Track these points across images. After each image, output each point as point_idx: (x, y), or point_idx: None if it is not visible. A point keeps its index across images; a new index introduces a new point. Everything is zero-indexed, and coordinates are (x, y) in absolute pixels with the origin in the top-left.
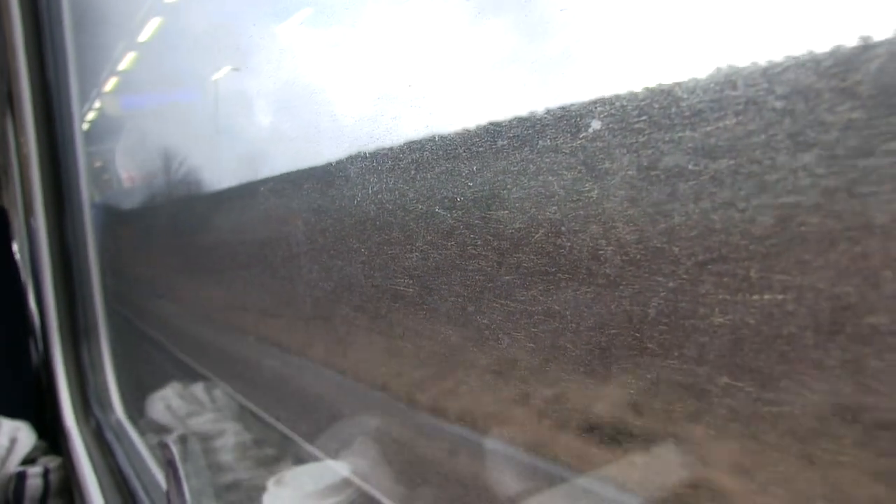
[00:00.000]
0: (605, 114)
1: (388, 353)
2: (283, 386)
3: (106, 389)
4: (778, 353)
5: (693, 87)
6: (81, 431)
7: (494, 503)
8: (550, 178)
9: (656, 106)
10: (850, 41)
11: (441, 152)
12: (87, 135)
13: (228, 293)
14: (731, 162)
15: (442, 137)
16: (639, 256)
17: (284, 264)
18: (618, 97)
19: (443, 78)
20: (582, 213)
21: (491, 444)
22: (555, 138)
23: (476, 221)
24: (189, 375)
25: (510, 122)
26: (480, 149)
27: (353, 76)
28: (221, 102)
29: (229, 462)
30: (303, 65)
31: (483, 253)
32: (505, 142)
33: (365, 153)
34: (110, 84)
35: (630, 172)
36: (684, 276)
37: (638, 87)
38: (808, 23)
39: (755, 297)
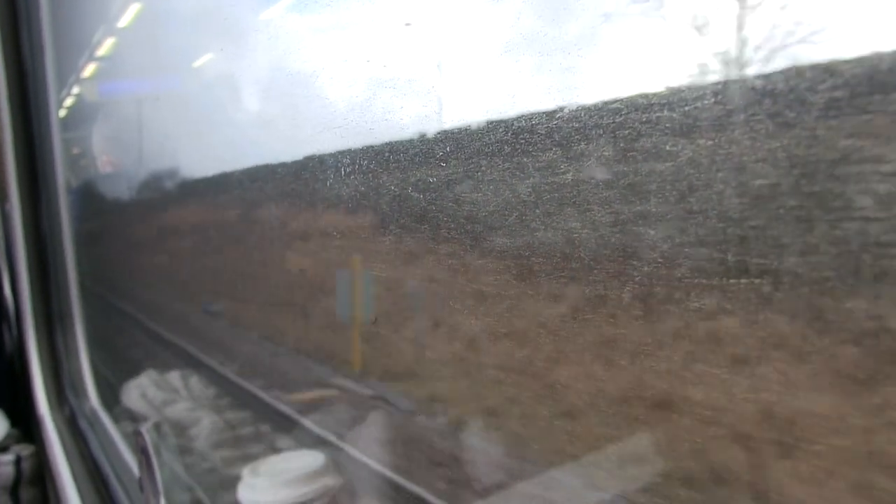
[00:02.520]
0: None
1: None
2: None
3: (80, 377)
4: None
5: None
6: (55, 419)
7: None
8: (525, 160)
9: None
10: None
11: (417, 134)
12: (65, 121)
13: (204, 281)
14: (710, 143)
15: (417, 118)
16: (613, 240)
17: (258, 247)
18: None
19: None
20: (556, 195)
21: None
22: (529, 119)
23: (449, 204)
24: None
25: (487, 104)
26: (454, 130)
27: (338, 61)
28: (204, 88)
29: (204, 450)
30: (287, 50)
31: (456, 236)
32: (481, 123)
33: (341, 136)
34: (89, 70)
35: (606, 153)
36: (660, 261)
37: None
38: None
39: (732, 281)
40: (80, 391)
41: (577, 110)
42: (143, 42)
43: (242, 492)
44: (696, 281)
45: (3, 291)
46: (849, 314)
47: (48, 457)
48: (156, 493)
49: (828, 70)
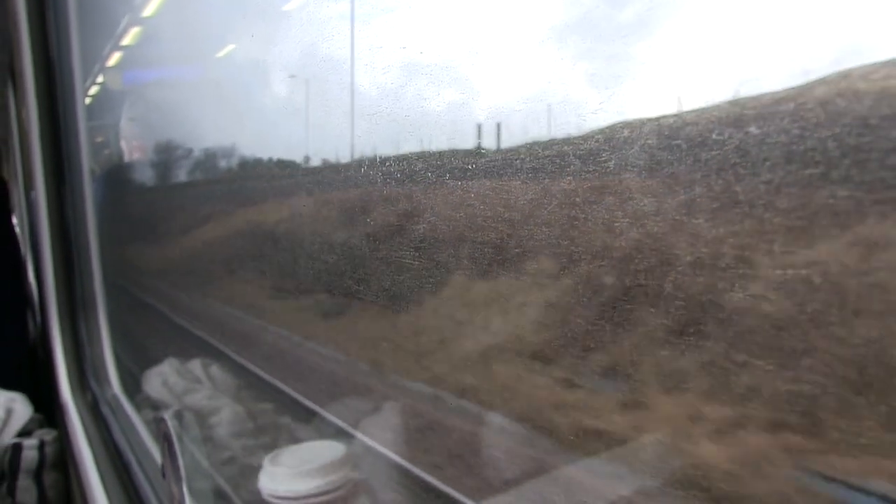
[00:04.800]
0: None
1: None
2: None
3: (103, 363)
4: (802, 331)
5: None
6: (77, 405)
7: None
8: (566, 147)
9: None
10: None
11: (454, 119)
12: (89, 109)
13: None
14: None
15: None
16: (656, 229)
17: (286, 236)
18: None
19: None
20: (598, 183)
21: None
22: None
23: (487, 192)
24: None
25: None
26: (493, 117)
27: (372, 48)
28: (230, 77)
29: (225, 438)
30: (317, 36)
31: (493, 224)
32: (520, 109)
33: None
34: (114, 58)
35: (650, 141)
36: (704, 250)
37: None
38: None
39: (777, 272)
40: (103, 378)
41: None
42: (168, 30)
43: (263, 480)
44: None
45: (28, 279)
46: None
47: (71, 442)
48: (178, 480)
49: None
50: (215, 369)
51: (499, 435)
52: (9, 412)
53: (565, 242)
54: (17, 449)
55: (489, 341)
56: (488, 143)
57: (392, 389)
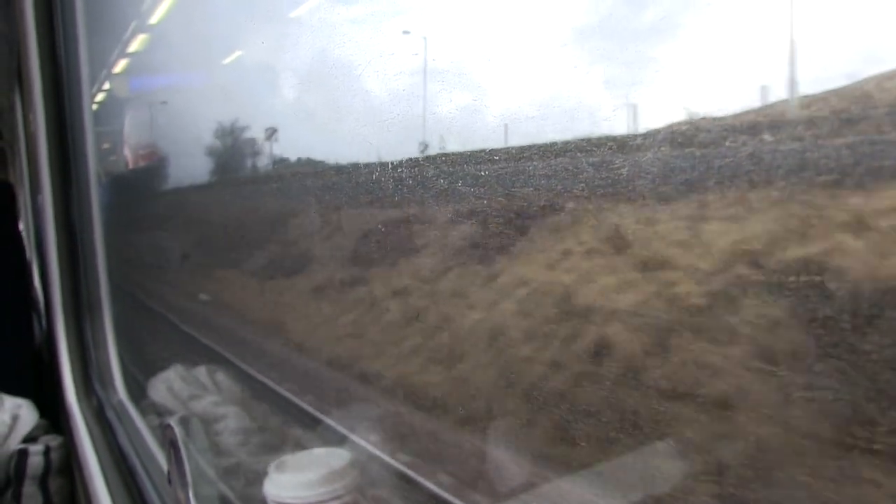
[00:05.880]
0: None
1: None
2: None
3: (108, 369)
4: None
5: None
6: (83, 410)
7: None
8: (578, 154)
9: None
10: None
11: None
12: (96, 115)
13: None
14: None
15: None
16: (667, 234)
17: (298, 240)
18: None
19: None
20: (610, 190)
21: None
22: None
23: (499, 199)
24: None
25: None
26: (507, 124)
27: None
28: (236, 85)
29: (230, 445)
30: (327, 43)
31: (505, 231)
32: (533, 116)
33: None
34: (120, 65)
35: (663, 149)
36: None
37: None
38: None
39: (791, 278)
40: (108, 383)
41: None
42: (174, 38)
43: (268, 487)
44: None
45: (34, 283)
46: None
47: (76, 448)
48: (184, 486)
49: None
50: (220, 376)
51: None
52: (14, 418)
53: None
54: (22, 455)
55: None
56: None
57: None
